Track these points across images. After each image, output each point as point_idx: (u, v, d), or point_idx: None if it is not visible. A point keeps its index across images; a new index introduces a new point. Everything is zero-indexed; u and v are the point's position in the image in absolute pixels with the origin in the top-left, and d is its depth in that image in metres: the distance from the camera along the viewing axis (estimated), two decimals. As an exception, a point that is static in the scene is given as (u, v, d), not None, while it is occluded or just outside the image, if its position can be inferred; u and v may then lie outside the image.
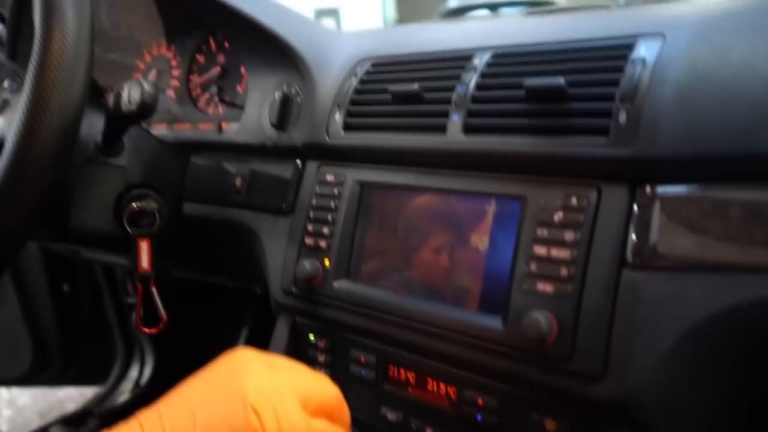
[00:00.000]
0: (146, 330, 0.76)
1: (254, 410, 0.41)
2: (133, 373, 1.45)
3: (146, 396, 1.42)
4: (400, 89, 0.64)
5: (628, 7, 0.88)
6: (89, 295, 1.49)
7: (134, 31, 1.03)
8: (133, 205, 0.75)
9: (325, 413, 0.47)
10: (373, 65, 0.71)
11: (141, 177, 0.78)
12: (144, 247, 0.74)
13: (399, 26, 0.99)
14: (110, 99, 0.68)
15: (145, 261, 0.74)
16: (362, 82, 0.70)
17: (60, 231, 0.74)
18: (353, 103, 0.69)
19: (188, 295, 1.22)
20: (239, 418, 0.41)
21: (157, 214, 0.76)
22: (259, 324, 1.43)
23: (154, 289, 0.76)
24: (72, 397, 1.92)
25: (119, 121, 0.70)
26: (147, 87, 0.66)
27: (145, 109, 0.66)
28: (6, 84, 0.65)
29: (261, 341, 1.41)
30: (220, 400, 0.42)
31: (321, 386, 0.49)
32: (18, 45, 0.96)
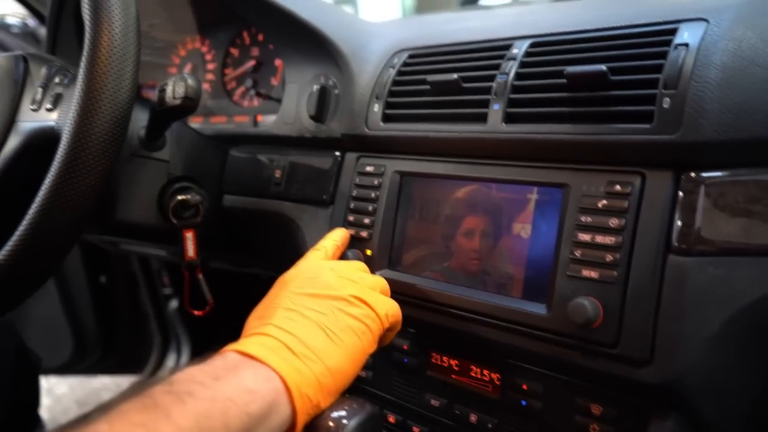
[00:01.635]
0: (195, 312, 0.78)
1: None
2: (170, 362, 1.48)
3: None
4: (439, 80, 0.65)
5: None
6: (125, 286, 1.52)
7: (168, 27, 1.05)
8: (177, 197, 0.77)
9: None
10: (410, 56, 0.72)
11: (183, 170, 0.80)
12: (189, 237, 0.76)
13: (432, 15, 0.99)
14: (155, 94, 0.69)
15: (191, 250, 0.76)
16: (400, 73, 0.71)
17: (106, 224, 0.77)
18: (392, 94, 0.70)
19: (221, 284, 1.24)
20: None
21: (199, 206, 0.78)
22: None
23: (200, 276, 0.78)
24: (107, 386, 1.97)
25: (164, 116, 0.71)
26: (191, 82, 0.67)
27: (190, 104, 0.68)
28: (57, 79, 0.67)
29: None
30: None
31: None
32: (58, 41, 0.98)
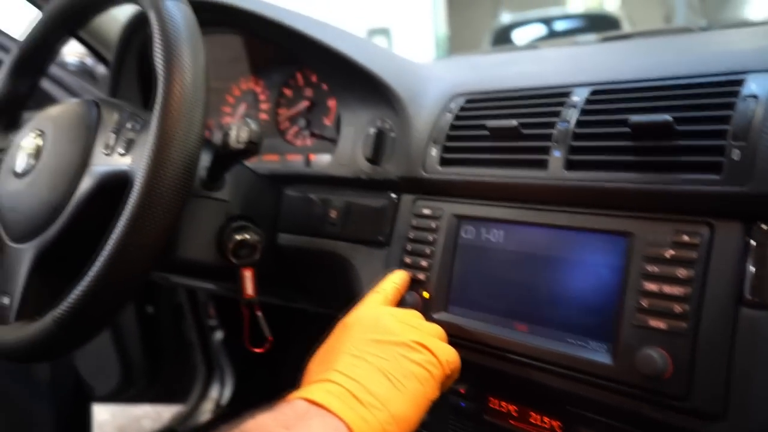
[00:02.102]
0: (256, 350, 0.80)
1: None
2: (214, 393, 1.50)
3: (227, 416, 1.46)
4: (498, 125, 0.66)
5: (718, 33, 0.88)
6: (171, 317, 1.55)
7: (224, 69, 1.08)
8: (236, 237, 0.79)
9: None
10: (467, 101, 0.73)
11: (241, 209, 0.82)
12: (248, 275, 0.78)
13: (483, 57, 1.00)
14: (219, 137, 0.72)
15: (249, 288, 0.78)
16: (457, 117, 0.72)
17: (168, 261, 0.79)
18: (449, 138, 0.71)
19: (266, 317, 1.26)
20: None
21: (257, 245, 0.79)
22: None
23: (259, 313, 0.79)
24: (148, 414, 1.99)
25: (226, 158, 0.73)
26: (254, 127, 0.70)
27: (252, 148, 0.70)
28: (129, 125, 0.70)
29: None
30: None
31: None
32: (120, 83, 1.03)
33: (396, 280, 0.69)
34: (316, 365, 0.57)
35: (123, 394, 1.52)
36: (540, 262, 0.63)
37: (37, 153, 0.73)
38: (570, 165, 0.61)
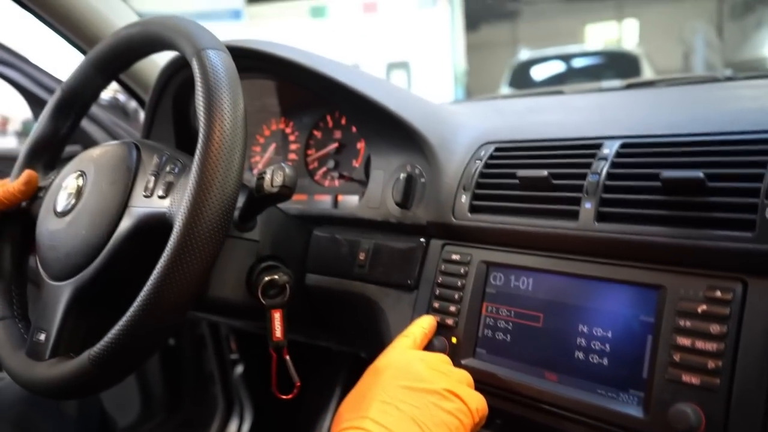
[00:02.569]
0: (283, 397, 0.80)
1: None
2: (233, 426, 1.50)
3: (245, 451, 1.46)
4: (529, 175, 0.67)
5: (746, 85, 0.89)
6: (192, 349, 1.56)
7: (256, 112, 1.11)
8: (266, 277, 0.80)
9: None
10: (497, 149, 0.75)
11: (271, 250, 0.83)
12: (277, 317, 0.79)
13: (510, 102, 1.02)
14: (249, 177, 0.74)
15: (278, 330, 0.78)
16: (487, 165, 0.74)
17: (198, 300, 0.80)
18: (479, 186, 0.73)
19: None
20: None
21: (287, 286, 0.80)
22: (352, 384, 1.46)
23: (287, 357, 0.80)
24: (164, 445, 1.99)
25: (260, 202, 0.75)
26: (288, 171, 0.71)
27: (286, 192, 0.72)
28: (168, 168, 0.72)
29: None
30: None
31: None
32: (155, 123, 1.06)
33: (424, 324, 0.69)
34: (347, 411, 0.57)
35: (142, 426, 1.52)
36: (570, 311, 0.63)
37: (79, 193, 0.75)
38: (601, 217, 0.62)
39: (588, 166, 0.65)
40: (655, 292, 0.57)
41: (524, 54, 6.94)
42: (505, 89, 6.46)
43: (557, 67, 6.55)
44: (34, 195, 0.83)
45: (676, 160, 0.59)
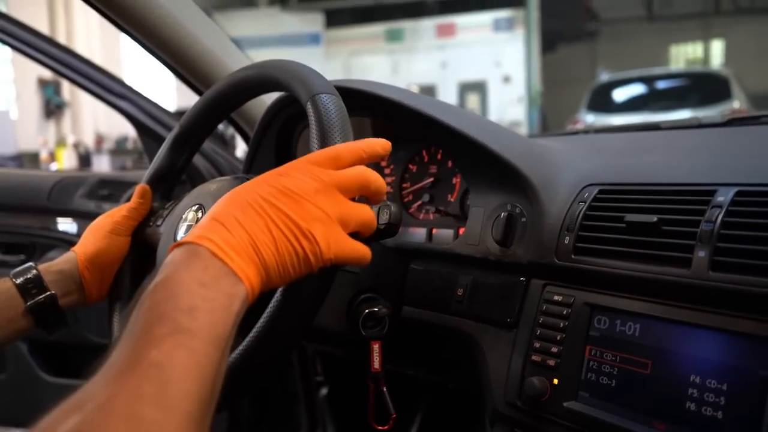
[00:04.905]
0: (379, 428, 0.82)
1: None
2: (315, 447, 1.54)
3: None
4: (638, 220, 0.67)
5: None
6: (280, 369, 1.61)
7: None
8: (366, 309, 0.83)
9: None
10: (600, 191, 0.75)
11: (370, 282, 0.86)
12: (376, 349, 0.81)
13: (608, 138, 1.02)
14: None
15: (377, 362, 0.81)
16: (591, 208, 0.74)
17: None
18: (583, 228, 0.73)
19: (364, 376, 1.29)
20: None
21: (385, 317, 0.83)
22: (432, 410, 1.47)
23: (384, 388, 0.82)
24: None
25: (366, 238, 0.78)
26: (394, 209, 0.74)
27: (392, 229, 0.74)
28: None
29: (436, 427, 1.42)
30: None
31: None
32: (256, 158, 1.12)
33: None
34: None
35: (229, 443, 1.58)
36: (681, 360, 0.62)
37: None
38: (715, 266, 0.61)
39: (701, 213, 0.64)
40: (775, 347, 0.56)
41: (604, 76, 6.80)
42: (584, 112, 6.35)
43: (639, 89, 6.38)
44: (152, 223, 0.90)
45: (798, 211, 0.58)
